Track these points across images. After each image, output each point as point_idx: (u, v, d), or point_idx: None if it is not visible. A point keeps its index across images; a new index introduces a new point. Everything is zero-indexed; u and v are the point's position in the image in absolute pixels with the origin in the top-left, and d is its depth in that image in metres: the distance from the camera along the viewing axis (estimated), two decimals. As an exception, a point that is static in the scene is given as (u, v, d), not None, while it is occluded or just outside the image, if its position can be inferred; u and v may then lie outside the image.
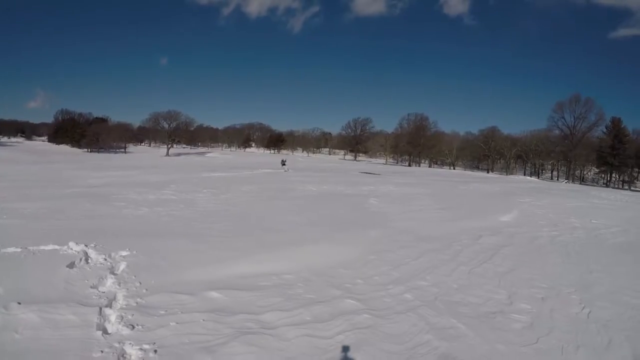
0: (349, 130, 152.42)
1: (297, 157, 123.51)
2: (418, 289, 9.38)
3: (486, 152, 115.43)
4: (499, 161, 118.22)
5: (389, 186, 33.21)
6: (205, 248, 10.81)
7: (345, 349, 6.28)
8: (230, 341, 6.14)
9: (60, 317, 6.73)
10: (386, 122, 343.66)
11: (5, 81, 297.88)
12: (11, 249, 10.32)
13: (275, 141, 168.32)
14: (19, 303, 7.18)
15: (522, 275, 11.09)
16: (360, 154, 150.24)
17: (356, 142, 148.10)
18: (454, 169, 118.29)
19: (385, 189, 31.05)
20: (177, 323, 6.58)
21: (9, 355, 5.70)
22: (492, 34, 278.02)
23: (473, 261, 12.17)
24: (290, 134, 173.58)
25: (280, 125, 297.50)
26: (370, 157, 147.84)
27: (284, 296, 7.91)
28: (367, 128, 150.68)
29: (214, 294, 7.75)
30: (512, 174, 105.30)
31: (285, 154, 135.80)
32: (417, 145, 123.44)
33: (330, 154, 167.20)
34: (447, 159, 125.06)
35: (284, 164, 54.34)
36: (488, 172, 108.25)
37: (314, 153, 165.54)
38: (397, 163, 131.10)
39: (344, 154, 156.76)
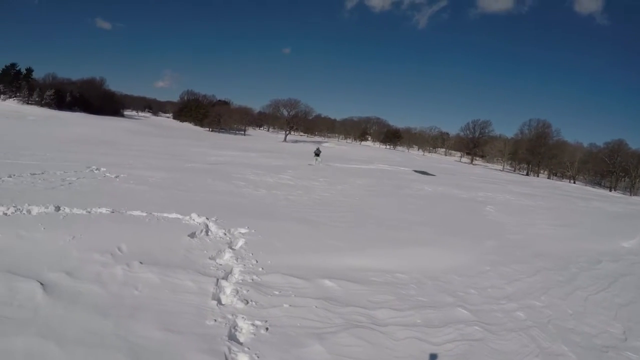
0: (468, 131, 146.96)
1: (414, 155, 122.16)
2: (531, 308, 8.99)
3: (610, 168, 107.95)
4: (623, 179, 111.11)
5: (505, 195, 32.11)
6: (321, 236, 10.91)
7: (453, 358, 6.16)
8: (340, 331, 6.17)
9: (178, 282, 7.13)
10: (506, 126, 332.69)
11: (138, 61, 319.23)
12: (137, 212, 11.09)
13: (392, 137, 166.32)
14: (141, 263, 7.73)
15: (641, 310, 10.38)
16: (477, 158, 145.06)
17: (474, 144, 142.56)
18: (574, 182, 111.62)
19: (502, 197, 30.04)
20: (290, 305, 6.72)
21: (127, 309, 6.12)
22: (626, 36, 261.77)
23: (590, 287, 11.43)
24: (407, 130, 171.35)
25: (398, 121, 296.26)
26: (487, 162, 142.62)
27: (396, 295, 7.84)
28: (486, 131, 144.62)
29: (328, 283, 7.81)
30: (636, 194, 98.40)
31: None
32: (537, 153, 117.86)
33: (446, 155, 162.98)
34: (568, 171, 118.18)
35: (317, 155, 43.77)
36: (610, 190, 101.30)
37: (429, 152, 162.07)
38: (514, 171, 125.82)
39: (460, 156, 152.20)
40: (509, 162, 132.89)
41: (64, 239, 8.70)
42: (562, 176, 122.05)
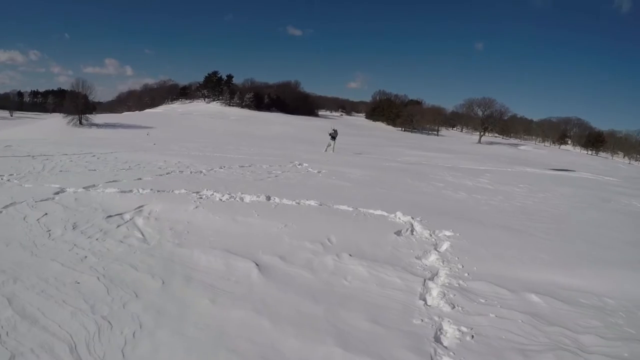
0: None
1: (618, 163, 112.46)
2: None
3: None
4: None
5: None
6: (526, 246, 10.38)
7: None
8: (545, 351, 5.80)
9: (386, 277, 7.30)
10: None
11: (329, 63, 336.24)
12: (343, 207, 11.64)
13: (594, 141, 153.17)
14: (350, 255, 8.05)
15: None
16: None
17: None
18: None
19: None
20: (495, 316, 6.52)
21: (337, 297, 6.47)
22: None
23: None
24: (611, 133, 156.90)
25: (600, 123, 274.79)
26: None
27: (603, 322, 7.20)
28: None
29: (534, 297, 7.41)
30: None
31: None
32: None
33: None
34: None
35: (333, 138, 35.07)
36: None
37: (636, 160, 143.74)
38: None
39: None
40: None
41: (277, 226, 9.45)
42: None
